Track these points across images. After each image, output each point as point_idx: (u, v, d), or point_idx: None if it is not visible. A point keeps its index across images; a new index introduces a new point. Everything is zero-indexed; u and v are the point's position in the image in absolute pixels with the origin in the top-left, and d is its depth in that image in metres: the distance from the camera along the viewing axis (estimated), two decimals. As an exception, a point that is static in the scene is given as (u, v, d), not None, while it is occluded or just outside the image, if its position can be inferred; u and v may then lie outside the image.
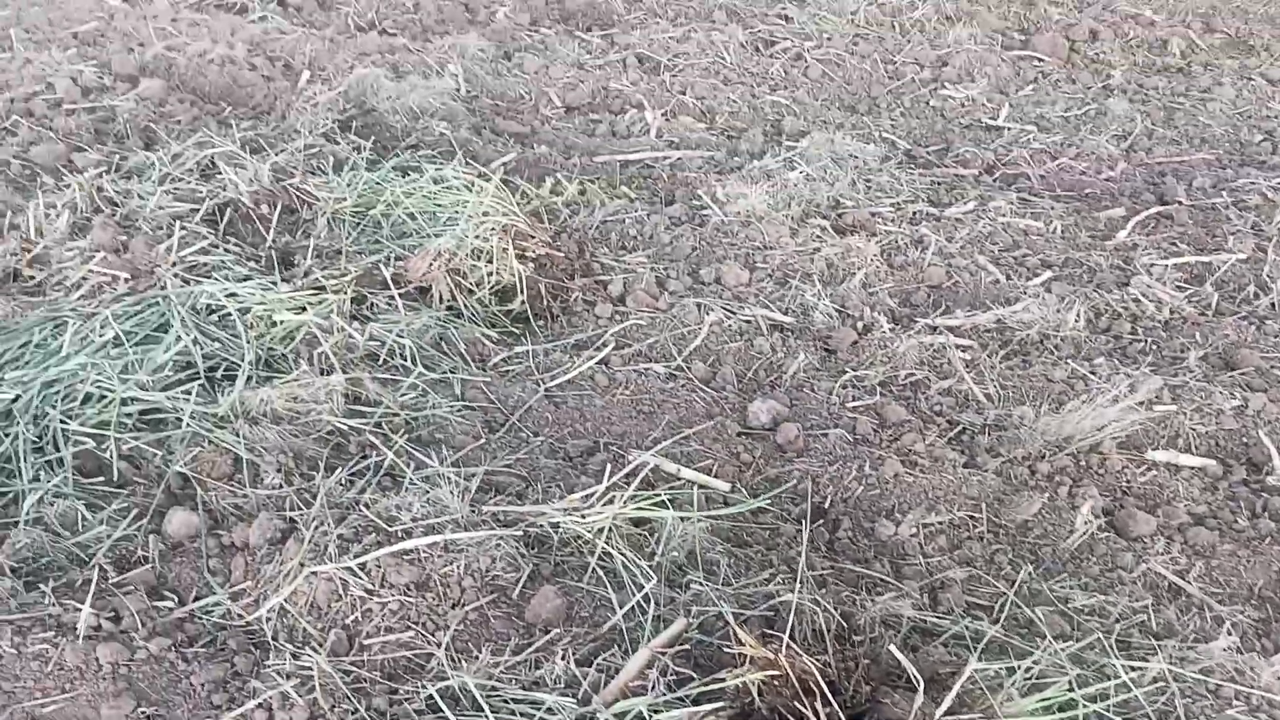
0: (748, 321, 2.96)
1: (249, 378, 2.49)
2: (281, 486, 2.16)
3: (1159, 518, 2.28)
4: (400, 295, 2.86)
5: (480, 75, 4.62)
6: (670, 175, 3.87)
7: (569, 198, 3.58)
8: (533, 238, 3.11)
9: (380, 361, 2.65)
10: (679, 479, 2.36)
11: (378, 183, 3.40)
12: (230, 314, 2.68)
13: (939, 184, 3.87)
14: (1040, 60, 4.94)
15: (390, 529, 2.02)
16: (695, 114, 4.42)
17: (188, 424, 2.31)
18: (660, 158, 3.99)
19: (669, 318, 2.94)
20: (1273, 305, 3.09)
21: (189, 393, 2.41)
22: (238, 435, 2.28)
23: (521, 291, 2.98)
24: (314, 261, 2.98)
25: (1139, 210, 3.67)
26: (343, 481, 2.18)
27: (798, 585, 1.94)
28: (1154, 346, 2.91)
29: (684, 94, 4.53)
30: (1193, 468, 2.46)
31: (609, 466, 2.26)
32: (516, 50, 4.93)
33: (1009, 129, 4.32)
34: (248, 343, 2.58)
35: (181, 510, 2.14)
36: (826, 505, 2.33)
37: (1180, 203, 3.73)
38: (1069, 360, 2.81)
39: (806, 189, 3.63)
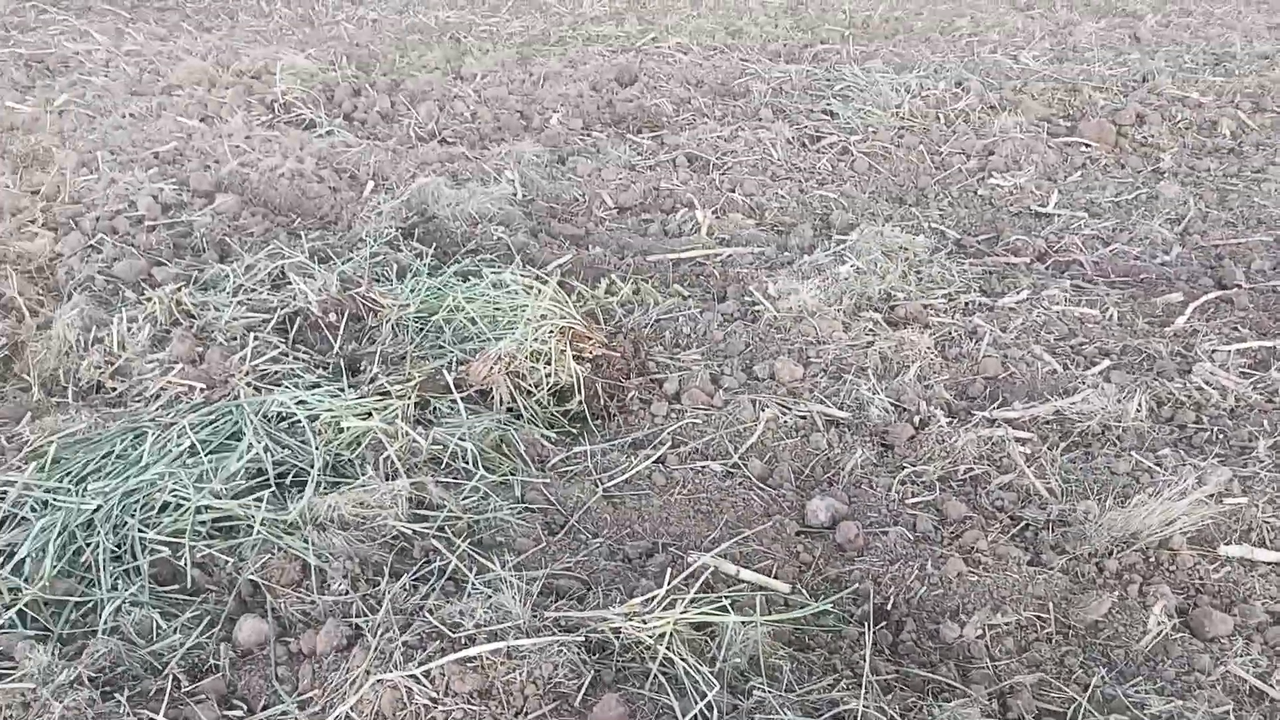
0: (803, 417, 2.98)
1: (317, 484, 2.57)
2: (348, 593, 2.21)
3: (1236, 616, 2.21)
4: (462, 399, 2.94)
5: (536, 180, 4.79)
6: (722, 272, 3.94)
7: (623, 297, 3.66)
8: (589, 338, 3.19)
9: (443, 465, 2.71)
10: (739, 580, 2.36)
11: (439, 288, 3.53)
12: (299, 421, 2.77)
13: (991, 273, 3.88)
14: (1087, 146, 4.97)
15: (454, 635, 2.05)
16: (745, 210, 4.51)
17: (258, 531, 2.38)
18: (711, 255, 4.07)
19: (724, 415, 2.97)
20: (1343, 390, 3.02)
21: (260, 500, 2.49)
22: (306, 542, 2.35)
23: (579, 392, 3.05)
24: (379, 368, 3.08)
25: (1197, 295, 3.64)
26: (407, 587, 2.22)
27: (862, 692, 1.91)
28: (1220, 436, 2.86)
29: (733, 191, 4.64)
30: (1269, 563, 2.39)
31: (669, 569, 2.27)
32: (570, 154, 5.11)
33: (1059, 215, 4.34)
34: (316, 449, 2.67)
35: (252, 618, 2.19)
36: (889, 606, 2.30)
37: (1240, 286, 3.69)
38: (1132, 452, 2.77)
39: (857, 282, 3.67)
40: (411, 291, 3.50)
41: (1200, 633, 2.18)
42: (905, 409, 3.01)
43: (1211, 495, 2.52)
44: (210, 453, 2.63)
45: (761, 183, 4.73)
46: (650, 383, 3.18)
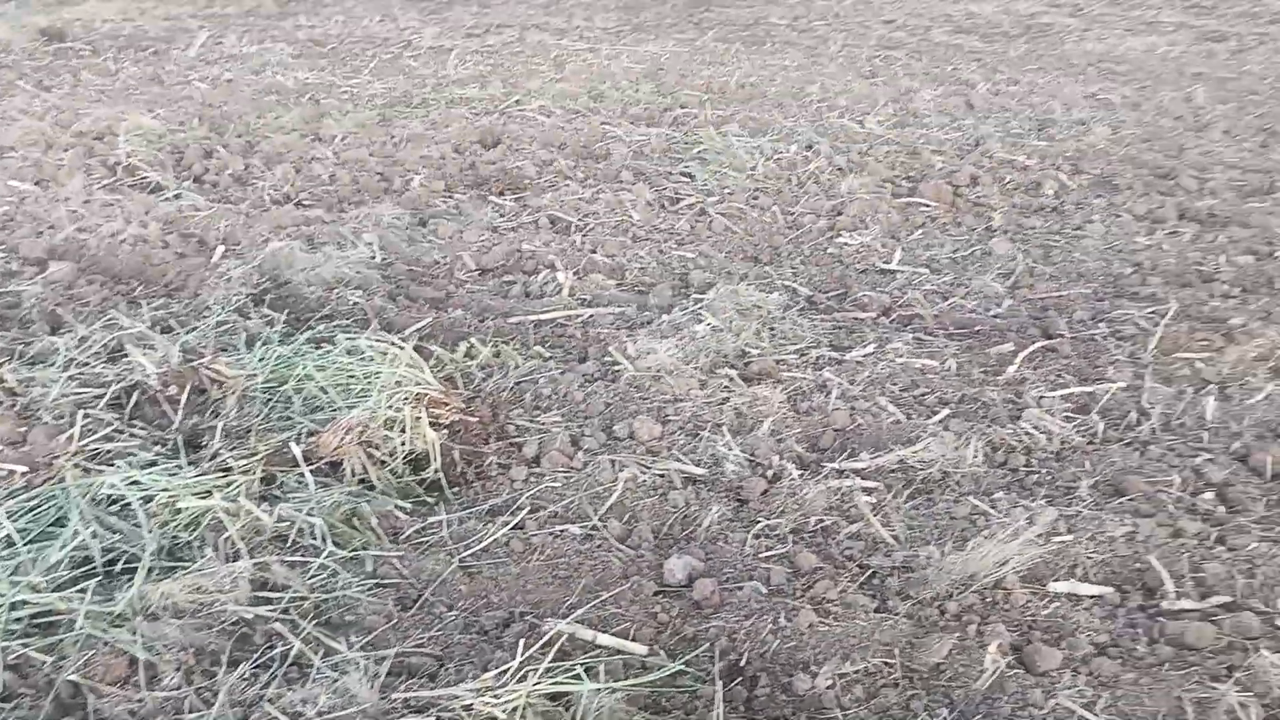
0: (661, 475, 3.02)
1: (150, 570, 2.44)
2: (180, 687, 2.09)
3: (1064, 650, 2.34)
4: (311, 472, 2.85)
5: (396, 243, 4.74)
6: (583, 333, 3.98)
7: (483, 360, 3.65)
8: (446, 404, 3.16)
9: (289, 543, 2.62)
10: (596, 645, 2.35)
11: (290, 357, 3.43)
12: (132, 503, 2.63)
13: (840, 328, 4.05)
14: (927, 206, 5.27)
15: (295, 724, 1.96)
16: (606, 271, 4.58)
17: (81, 626, 2.24)
18: (573, 316, 4.11)
19: (584, 476, 2.98)
20: (1153, 431, 3.27)
21: (84, 591, 2.34)
22: (135, 634, 2.21)
23: (435, 459, 3.00)
24: (222, 443, 2.96)
25: (1026, 344, 3.88)
26: (246, 676, 2.13)
27: (714, 752, 1.92)
28: (1048, 477, 3.04)
29: (594, 252, 4.71)
30: (1092, 596, 2.54)
31: (524, 639, 2.24)
32: (432, 217, 5.09)
33: (902, 272, 4.57)
34: (149, 533, 2.54)
35: (73, 720, 2.05)
36: (743, 663, 2.33)
37: (1063, 335, 3.96)
38: (970, 496, 2.92)
39: (713, 340, 3.77)
40: (260, 361, 3.39)
41: (1032, 668, 2.30)
42: (759, 464, 3.08)
43: (1040, 535, 2.67)
44: (30, 542, 2.46)
45: (622, 244, 4.81)
46: (509, 446, 3.17)
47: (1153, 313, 4.10)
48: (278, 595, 2.41)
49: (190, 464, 2.85)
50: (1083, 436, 3.24)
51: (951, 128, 6.57)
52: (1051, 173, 5.74)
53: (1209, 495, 2.91)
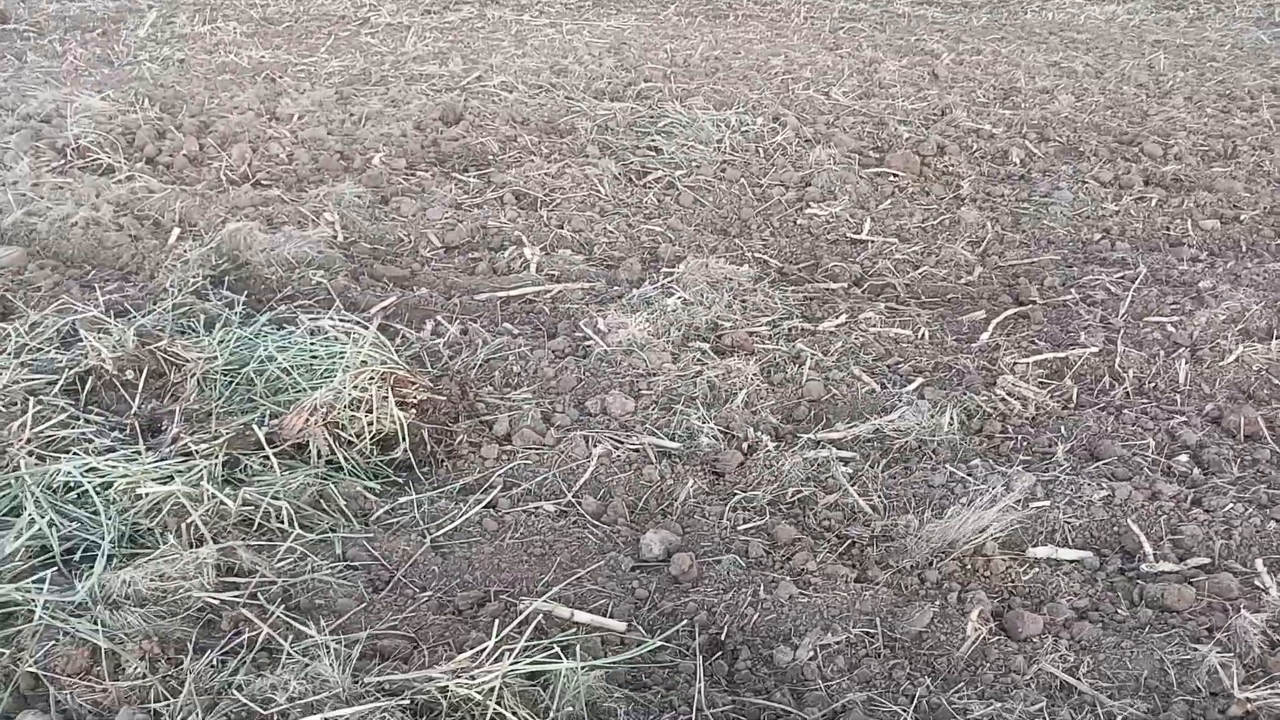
0: (635, 451, 2.97)
1: (110, 558, 2.35)
2: (145, 676, 2.02)
3: (1045, 615, 2.33)
4: (275, 455, 2.77)
5: (357, 221, 4.63)
6: (552, 309, 3.91)
7: (450, 339, 3.57)
8: (413, 383, 3.08)
9: (255, 527, 2.54)
10: (573, 623, 2.30)
11: (251, 338, 3.33)
12: (90, 490, 2.54)
13: (811, 299, 4.01)
14: (895, 176, 5.24)
15: (265, 712, 1.90)
16: (574, 246, 4.50)
17: (40, 616, 2.15)
18: (541, 292, 4.04)
19: (557, 453, 2.92)
20: (1127, 394, 3.27)
21: (42, 581, 2.25)
22: (96, 623, 2.13)
23: (404, 439, 2.93)
24: (182, 427, 2.87)
25: (998, 312, 3.87)
26: (214, 663, 2.05)
27: (697, 727, 1.89)
28: (1024, 444, 3.03)
29: (562, 228, 4.63)
30: (1072, 561, 2.53)
31: (500, 618, 2.19)
32: (394, 195, 4.98)
33: (872, 242, 4.54)
34: (108, 520, 2.44)
35: (31, 714, 1.97)
36: (724, 636, 2.30)
37: (1035, 302, 3.96)
38: (947, 464, 2.90)
39: (685, 313, 3.72)
40: (220, 343, 3.29)
41: (1014, 634, 2.28)
42: (734, 436, 3.04)
43: (1018, 501, 2.66)
44: (-18, 533, 2.36)
45: (590, 218, 4.73)
46: (480, 425, 3.10)
47: (1122, 277, 4.11)
48: (244, 580, 2.34)
49: (149, 449, 2.75)
50: (1057, 402, 3.23)
51: (917, 98, 6.54)
52: (1018, 141, 5.74)
53: (1184, 458, 2.92)
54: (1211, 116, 6.20)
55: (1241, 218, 4.70)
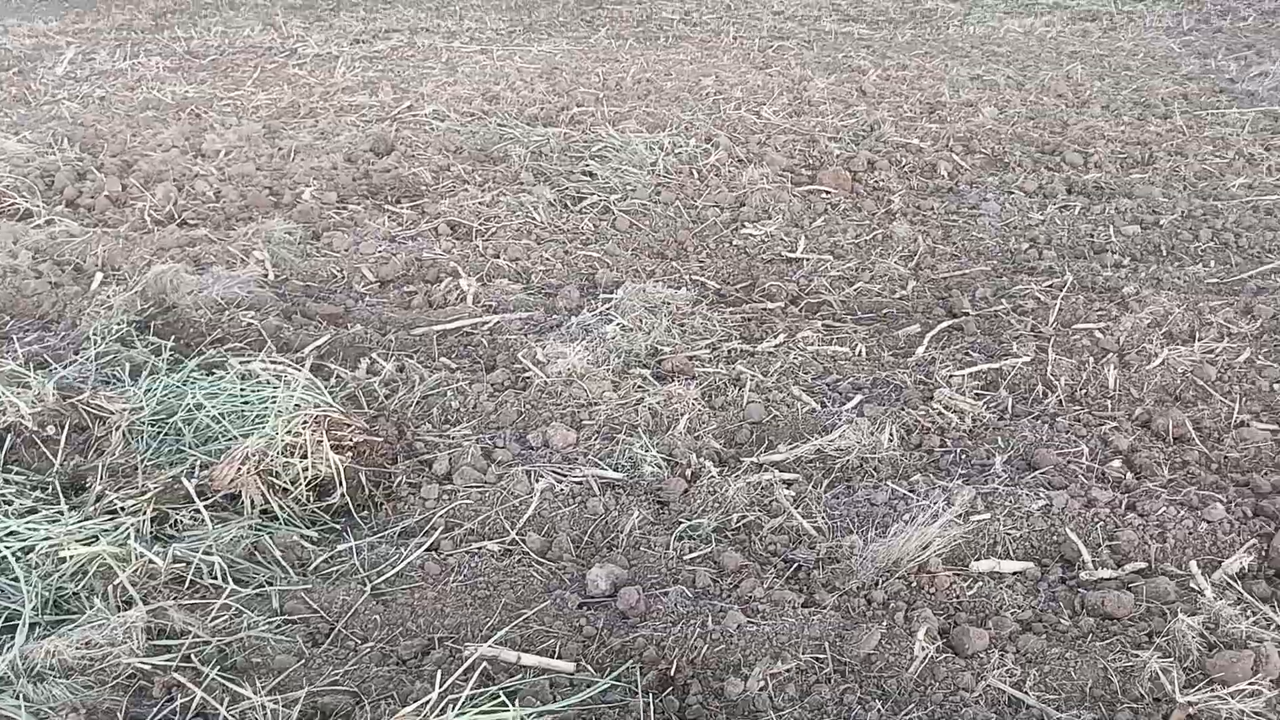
0: (579, 483, 2.94)
1: (32, 627, 2.25)
2: (71, 753, 1.93)
3: (990, 630, 2.34)
4: (207, 507, 2.68)
5: (288, 258, 4.55)
6: (490, 340, 3.87)
7: (387, 376, 3.51)
8: (349, 425, 3.01)
9: (188, 585, 2.45)
10: (521, 667, 2.26)
11: (179, 385, 3.24)
12: (8, 556, 2.43)
13: (749, 320, 4.03)
14: (828, 193, 5.31)
15: (200, 783, 1.82)
16: (510, 275, 4.47)
17: (-44, 695, 2.05)
18: (479, 324, 3.99)
19: (499, 490, 2.88)
20: (1060, 402, 3.33)
21: (-42, 657, 2.14)
22: (18, 698, 2.04)
23: (340, 484, 2.86)
24: (107, 483, 2.77)
25: (932, 325, 3.93)
26: (145, 734, 1.97)
27: (649, 769, 1.86)
28: (964, 456, 3.07)
29: (498, 257, 4.60)
30: (1014, 573, 2.56)
31: (443, 667, 2.14)
32: (325, 230, 4.90)
33: (807, 260, 4.58)
34: (29, 587, 2.34)
35: (-50, 801, 1.87)
36: (673, 671, 2.27)
37: (968, 314, 4.02)
38: (888, 481, 2.92)
39: (624, 340, 3.70)
40: (146, 392, 3.19)
41: (961, 650, 2.29)
42: (678, 463, 3.03)
43: (959, 515, 2.68)
44: (-108, 608, 2.25)
45: (526, 246, 4.71)
46: (419, 465, 3.05)
47: (1050, 286, 4.20)
48: (177, 642, 2.25)
49: (73, 509, 2.65)
50: (993, 413, 3.28)
51: (846, 114, 6.64)
52: (945, 154, 5.86)
53: (1117, 463, 2.98)
54: (1128, 124, 6.39)
55: (1161, 222, 4.84)
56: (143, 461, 2.88)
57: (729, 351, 3.72)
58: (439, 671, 2.14)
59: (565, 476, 2.94)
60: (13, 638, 2.23)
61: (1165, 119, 6.48)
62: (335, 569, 2.59)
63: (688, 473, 2.98)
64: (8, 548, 2.45)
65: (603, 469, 3.01)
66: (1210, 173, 5.48)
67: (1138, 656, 2.23)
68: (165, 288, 4.09)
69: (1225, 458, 3.01)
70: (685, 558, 2.64)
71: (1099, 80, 7.50)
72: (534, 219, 5.01)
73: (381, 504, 2.88)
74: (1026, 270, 4.43)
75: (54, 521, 2.58)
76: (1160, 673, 2.16)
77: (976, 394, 3.39)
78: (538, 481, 2.89)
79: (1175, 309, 3.78)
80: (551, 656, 2.29)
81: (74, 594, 2.41)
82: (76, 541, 2.49)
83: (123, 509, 2.64)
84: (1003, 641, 2.32)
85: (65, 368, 3.39)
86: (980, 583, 2.51)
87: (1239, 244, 4.59)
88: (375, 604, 2.45)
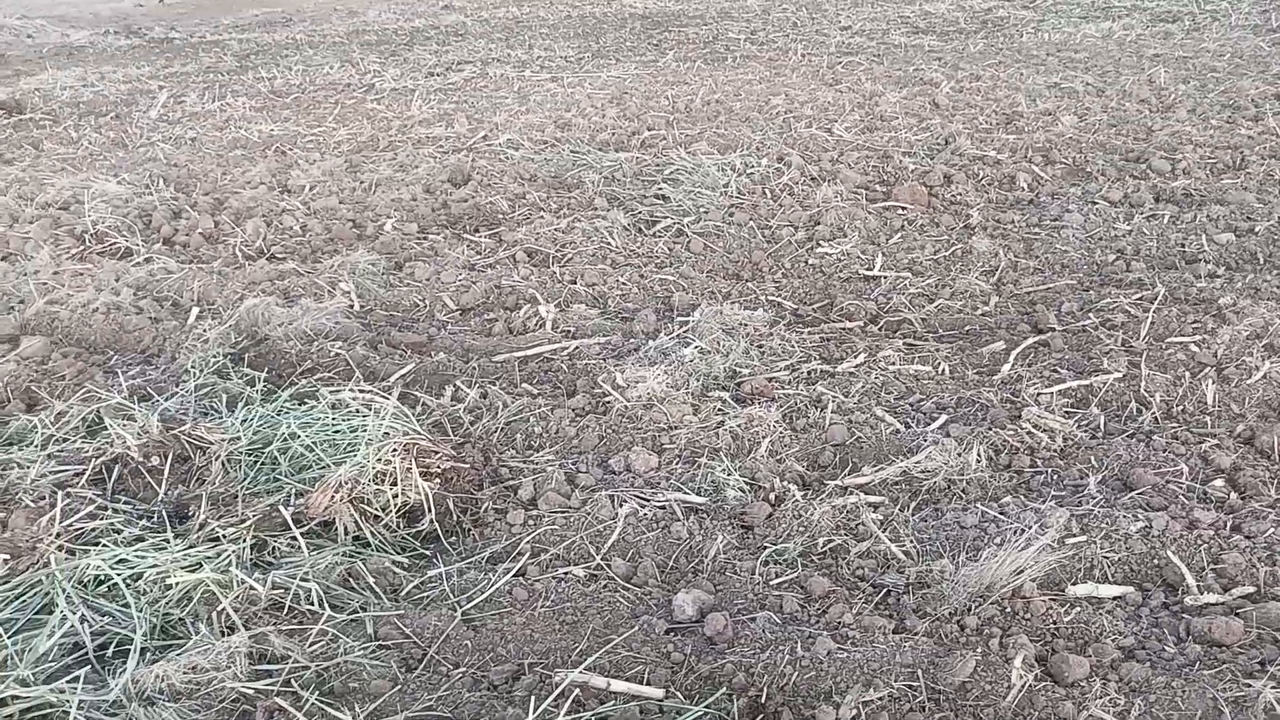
0: (662, 508, 2.95)
1: (143, 652, 2.35)
2: (183, 775, 2.00)
3: (1091, 657, 2.27)
4: (303, 534, 2.77)
5: (373, 289, 4.68)
6: (570, 366, 3.92)
7: (471, 403, 3.57)
8: (436, 452, 3.08)
9: (286, 610, 2.53)
10: (611, 694, 2.27)
11: (274, 416, 3.35)
12: (120, 583, 2.54)
13: (829, 340, 4.00)
14: (904, 209, 5.25)
15: (305, 806, 1.87)
16: (588, 301, 4.52)
17: (75, 717, 2.14)
18: (558, 349, 4.04)
19: (583, 515, 2.91)
20: (1156, 420, 3.23)
21: (77, 680, 2.24)
22: (132, 722, 2.12)
23: (429, 510, 2.92)
24: (209, 511, 2.88)
25: (1018, 342, 3.84)
26: (251, 757, 2.04)
27: (743, 799, 1.84)
28: (1055, 477, 2.99)
29: (575, 283, 4.65)
30: (1114, 598, 2.48)
31: (534, 693, 2.16)
32: (407, 260, 5.03)
33: (885, 278, 4.53)
34: (139, 613, 2.44)
35: (72, 820, 1.95)
36: (764, 699, 2.26)
37: (1054, 329, 3.93)
38: (977, 504, 2.86)
39: (703, 363, 3.71)
40: (243, 423, 3.31)
41: (1060, 679, 2.23)
42: (760, 487, 3.02)
43: (1054, 538, 2.61)
44: (16, 633, 2.37)
45: (602, 271, 4.76)
46: (505, 490, 3.09)
47: (1140, 298, 4.08)
48: (278, 667, 2.32)
49: (178, 536, 2.76)
50: (1085, 431, 3.19)
51: (920, 128, 6.57)
52: (1024, 165, 5.75)
53: (1219, 482, 2.87)
54: (1217, 128, 6.18)
55: (1256, 229, 4.66)
56: (242, 490, 2.98)
57: (809, 373, 3.69)
58: (531, 697, 2.17)
59: (648, 501, 2.96)
60: (125, 663, 2.33)
61: (1256, 120, 6.25)
62: (426, 594, 2.64)
63: (771, 496, 2.97)
64: (119, 575, 2.56)
65: (686, 493, 3.01)
66: (1308, 175, 5.26)
67: (1250, 686, 2.13)
68: (257, 320, 4.24)
69: (1337, 475, 2.87)
70: (772, 583, 2.62)
71: (1184, 83, 7.27)
72: (609, 244, 5.06)
73: (469, 530, 2.93)
74: (1114, 283, 4.31)
75: (160, 549, 2.69)
76: (1275, 703, 2.07)
77: (1067, 412, 3.31)
78: (621, 506, 2.91)
79: (1276, 320, 3.63)
80: (640, 683, 2.30)
81: (180, 620, 2.50)
82: (182, 569, 2.59)
83: (224, 536, 2.74)
84: (1104, 670, 2.24)
85: (167, 400, 3.53)
86: (1078, 608, 2.44)
87: (1342, 249, 4.39)
88: (466, 629, 2.49)
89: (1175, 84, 7.26)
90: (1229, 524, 2.68)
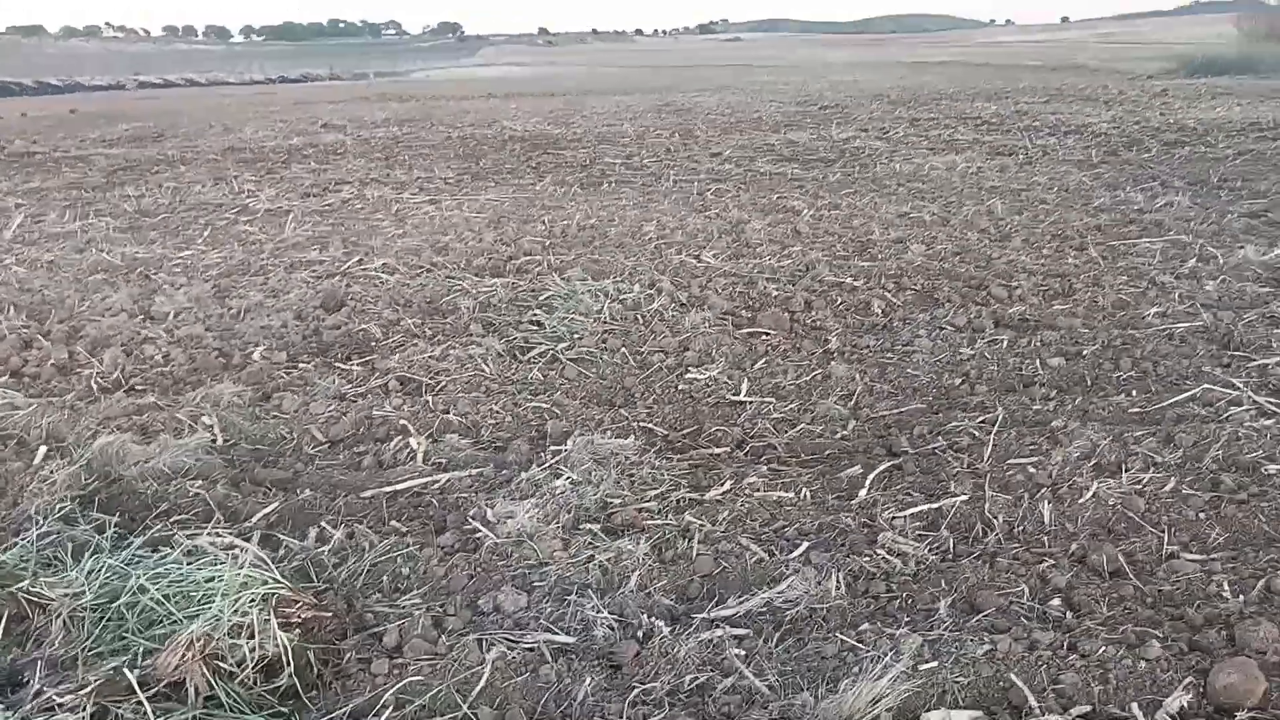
0: (530, 649, 2.93)
1: (-39, 845, 2.16)
2: None
3: (944, 787, 2.36)
4: (149, 699, 2.62)
5: (237, 422, 4.56)
6: (440, 500, 3.89)
7: (336, 544, 3.50)
8: (297, 601, 3.00)
9: (127, 785, 2.39)
10: None
11: (123, 566, 3.20)
12: (-61, 766, 2.35)
13: (697, 467, 4.11)
14: (767, 334, 5.50)
15: None
16: (460, 430, 4.53)
17: None
18: (429, 483, 4.02)
19: (450, 662, 2.86)
20: (999, 540, 3.43)
21: None
22: None
23: (288, 664, 2.82)
24: (46, 677, 2.70)
25: (874, 465, 4.04)
26: None
27: None
28: (909, 601, 3.12)
29: (447, 413, 4.66)
30: (965, 723, 2.59)
31: None
32: (275, 390, 4.94)
33: (750, 403, 4.72)
34: (-40, 800, 2.26)
35: None
36: None
37: (907, 452, 4.15)
38: (837, 632, 2.95)
39: (574, 495, 3.75)
40: (89, 575, 3.14)
41: (916, 811, 2.30)
42: (629, 623, 3.04)
43: (908, 666, 2.72)
44: None
45: (475, 399, 4.79)
46: (369, 638, 3.02)
47: (983, 421, 4.36)
48: None
49: (9, 708, 2.58)
50: (935, 554, 3.36)
51: (783, 255, 6.94)
52: (878, 291, 6.13)
53: (1056, 601, 3.05)
54: (1047, 256, 6.76)
55: (1084, 353, 5.08)
56: (83, 652, 2.82)
57: (677, 501, 3.78)
58: None
59: (517, 643, 2.94)
60: None
61: (1081, 250, 6.87)
62: (282, 757, 2.53)
63: (639, 633, 2.99)
64: (-62, 756, 2.37)
65: (554, 633, 3.01)
66: (1126, 302, 5.79)
67: (1087, 808, 2.25)
68: (111, 459, 4.08)
69: (1159, 591, 3.10)
70: (639, 725, 2.63)
71: (1018, 214, 7.95)
72: (483, 371, 5.10)
73: (330, 683, 2.84)
74: (960, 406, 4.60)
75: (-12, 723, 2.51)
76: (1109, 825, 2.18)
77: (919, 535, 3.48)
78: (489, 650, 2.88)
79: (1102, 441, 3.94)
80: (505, 843, 2.24)
81: (7, 802, 2.33)
82: (11, 745, 2.42)
83: (60, 705, 2.57)
84: (956, 799, 2.33)
85: (4, 552, 3.33)
86: (931, 736, 2.53)
87: (1157, 372, 4.82)
88: (323, 794, 2.39)
89: (1011, 215, 7.93)
90: (1066, 643, 2.84)
